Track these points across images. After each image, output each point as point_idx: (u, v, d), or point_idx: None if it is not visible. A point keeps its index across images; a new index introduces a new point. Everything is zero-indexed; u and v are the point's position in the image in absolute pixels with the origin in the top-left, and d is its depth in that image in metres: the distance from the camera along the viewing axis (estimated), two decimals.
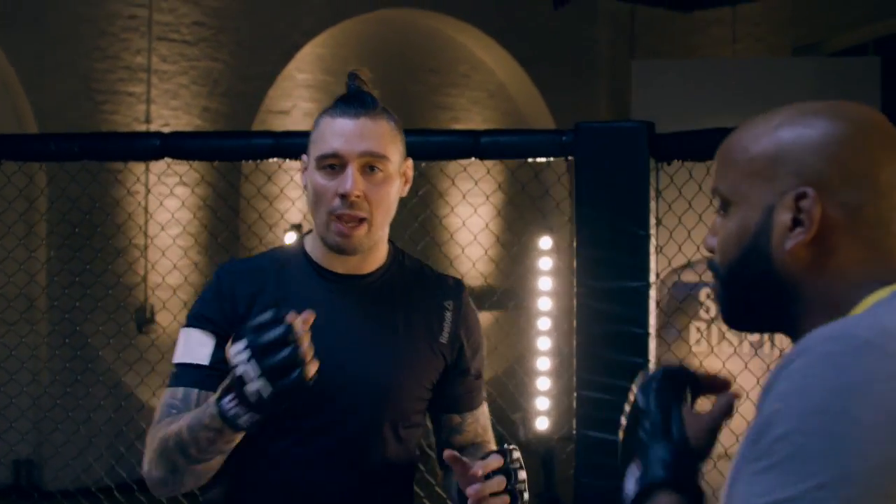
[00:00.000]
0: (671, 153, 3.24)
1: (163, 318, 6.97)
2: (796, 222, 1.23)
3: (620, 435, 1.41)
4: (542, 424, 6.78)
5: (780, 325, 1.31)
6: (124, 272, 6.72)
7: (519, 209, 6.72)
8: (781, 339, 5.17)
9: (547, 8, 9.10)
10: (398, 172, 2.07)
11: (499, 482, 1.92)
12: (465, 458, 1.93)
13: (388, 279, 2.12)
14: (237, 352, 1.75)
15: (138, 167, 6.93)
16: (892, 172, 1.24)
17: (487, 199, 4.43)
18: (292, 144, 3.46)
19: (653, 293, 3.18)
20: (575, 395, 3.25)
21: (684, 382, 1.40)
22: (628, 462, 1.35)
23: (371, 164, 2.01)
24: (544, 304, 6.66)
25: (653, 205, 3.20)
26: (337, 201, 2.00)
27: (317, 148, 2.04)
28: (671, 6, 9.62)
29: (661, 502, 1.28)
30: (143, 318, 7.40)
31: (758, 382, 3.56)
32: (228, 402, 1.82)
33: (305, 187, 2.07)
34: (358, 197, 1.99)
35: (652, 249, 3.20)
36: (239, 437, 1.90)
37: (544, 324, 6.66)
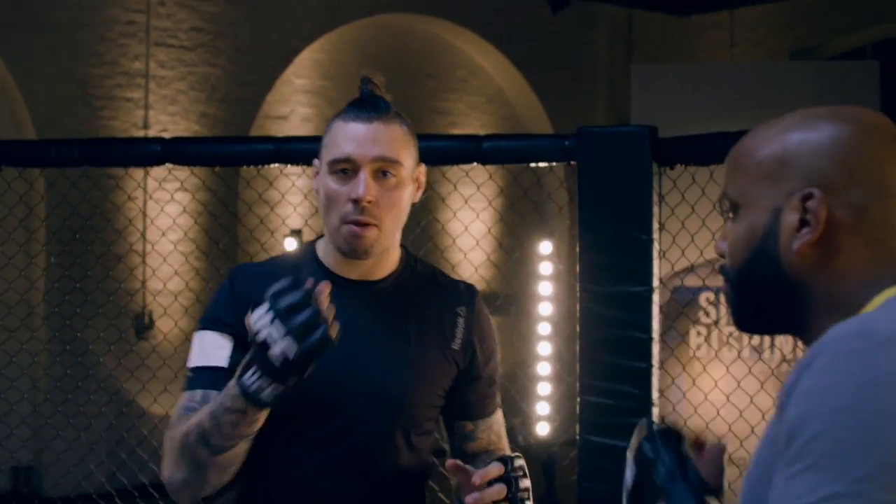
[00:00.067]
0: (674, 157, 3.23)
1: (163, 325, 6.96)
2: (803, 223, 1.25)
3: (627, 489, 1.44)
4: (542, 429, 6.78)
5: (789, 327, 1.32)
6: (125, 278, 6.71)
7: (520, 214, 6.72)
8: (783, 344, 5.16)
9: (545, 13, 9.11)
10: (411, 178, 2.05)
11: (499, 490, 1.91)
12: (467, 467, 1.92)
13: (400, 285, 2.09)
14: (259, 316, 1.74)
15: (138, 173, 6.92)
16: None
17: (490, 204, 4.43)
18: (293, 150, 3.45)
19: (656, 298, 3.18)
20: (578, 399, 3.25)
21: (678, 434, 1.45)
22: None
23: (384, 170, 1.99)
24: (545, 308, 6.65)
25: (655, 209, 3.20)
26: (349, 206, 1.97)
27: (329, 152, 2.01)
28: (669, 10, 9.63)
29: None
30: (142, 325, 7.39)
31: (762, 387, 3.55)
32: (250, 376, 1.79)
33: (317, 192, 2.04)
34: (370, 202, 1.97)
35: (655, 254, 3.19)
36: (262, 417, 1.86)
37: (544, 328, 6.66)
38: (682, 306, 4.81)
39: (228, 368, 1.94)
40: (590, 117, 9.26)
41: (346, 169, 1.99)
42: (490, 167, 3.52)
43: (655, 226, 3.20)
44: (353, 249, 2.00)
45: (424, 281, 2.13)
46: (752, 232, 1.29)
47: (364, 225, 1.98)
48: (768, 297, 1.30)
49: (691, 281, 3.94)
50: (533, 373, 6.77)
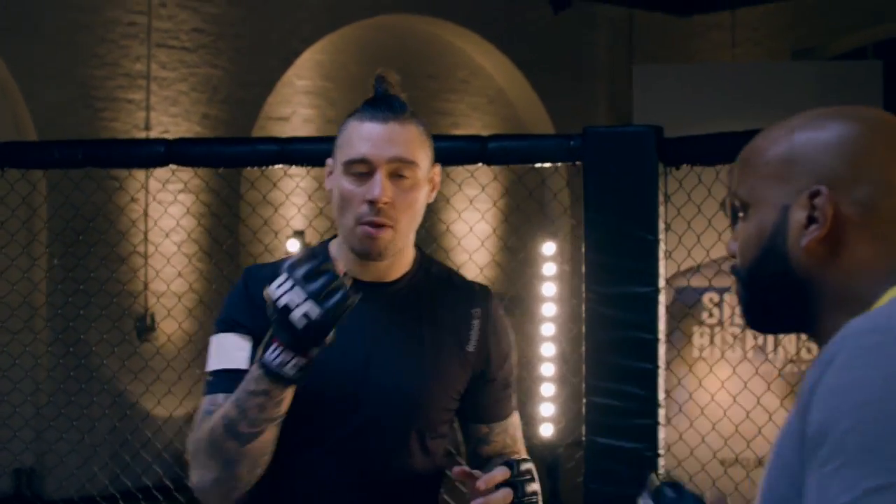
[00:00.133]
0: (679, 157, 3.22)
1: (167, 326, 6.95)
2: (811, 220, 1.26)
3: None
4: (546, 431, 6.76)
5: (800, 325, 1.33)
6: (128, 280, 6.71)
7: (525, 214, 6.72)
8: (787, 345, 5.16)
9: (546, 13, 9.11)
10: (426, 178, 2.03)
11: (504, 495, 1.90)
12: (473, 472, 1.91)
13: (414, 286, 2.07)
14: (278, 284, 1.77)
15: (141, 174, 6.91)
16: None
17: (494, 205, 4.43)
18: (297, 151, 3.45)
19: (662, 298, 3.17)
20: (584, 400, 3.24)
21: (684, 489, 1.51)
22: None
23: (400, 171, 1.97)
24: (548, 309, 6.63)
25: (661, 209, 3.19)
26: (364, 207, 1.95)
27: (344, 153, 1.99)
28: (670, 11, 9.62)
29: None
30: (144, 326, 7.38)
31: (769, 387, 3.55)
32: (272, 352, 1.80)
33: (330, 192, 2.02)
34: (386, 204, 1.94)
35: (661, 254, 3.19)
36: (288, 397, 1.85)
37: (548, 329, 6.64)
38: (688, 307, 4.81)
39: (248, 370, 1.91)
40: (591, 118, 9.25)
41: (361, 170, 1.96)
42: (495, 168, 3.51)
43: (661, 226, 3.19)
44: (368, 251, 1.97)
45: (439, 282, 2.11)
46: (762, 230, 1.30)
47: (379, 226, 1.95)
48: (778, 294, 1.30)
49: (696, 281, 3.93)
50: (537, 374, 6.76)
